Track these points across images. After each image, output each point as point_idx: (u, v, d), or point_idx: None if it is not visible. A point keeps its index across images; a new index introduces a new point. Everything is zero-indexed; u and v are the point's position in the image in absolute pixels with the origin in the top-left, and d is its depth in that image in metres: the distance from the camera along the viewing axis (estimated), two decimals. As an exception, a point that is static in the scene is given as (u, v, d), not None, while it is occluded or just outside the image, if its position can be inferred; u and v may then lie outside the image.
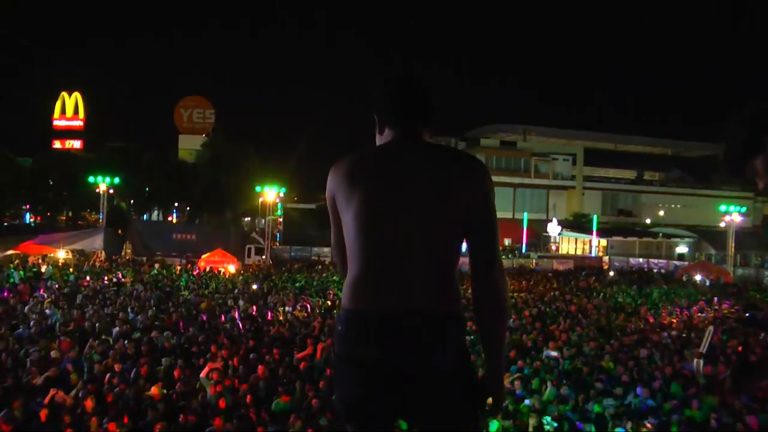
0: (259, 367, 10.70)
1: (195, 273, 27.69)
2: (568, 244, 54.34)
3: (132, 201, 50.31)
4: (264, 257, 35.89)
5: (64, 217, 52.45)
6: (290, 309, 18.07)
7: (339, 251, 2.25)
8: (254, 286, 23.84)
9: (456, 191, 2.07)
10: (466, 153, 2.29)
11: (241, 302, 18.89)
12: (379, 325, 2.02)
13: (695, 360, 10.58)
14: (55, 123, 59.46)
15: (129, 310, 16.65)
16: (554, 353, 12.95)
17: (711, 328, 10.54)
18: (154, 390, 9.44)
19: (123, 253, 35.82)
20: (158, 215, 53.14)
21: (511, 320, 17.51)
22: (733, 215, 38.21)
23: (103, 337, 13.19)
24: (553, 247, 53.27)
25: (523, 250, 47.46)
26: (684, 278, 34.06)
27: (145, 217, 50.60)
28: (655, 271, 38.95)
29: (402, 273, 2.03)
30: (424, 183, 2.07)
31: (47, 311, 16.02)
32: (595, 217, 50.76)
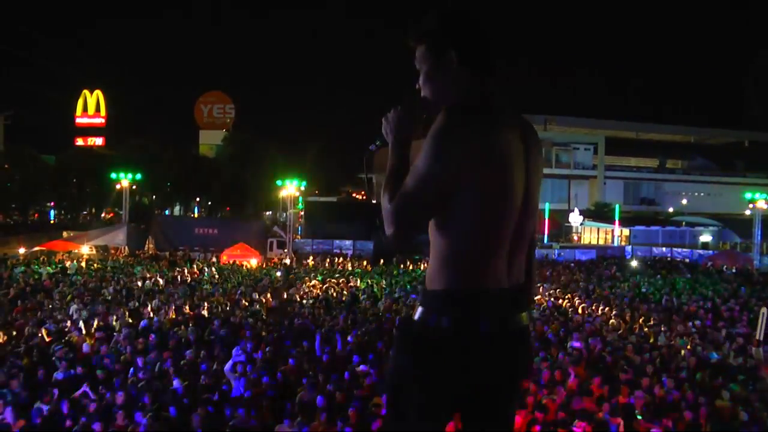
0: (290, 360, 10.75)
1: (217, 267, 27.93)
2: (590, 234, 53.87)
3: (154, 196, 50.82)
4: (286, 251, 36.05)
5: (86, 213, 53.11)
6: (311, 301, 18.13)
7: (425, 209, 1.98)
8: (278, 273, 24.19)
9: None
10: None
11: (255, 294, 19.02)
12: (503, 301, 2.04)
13: (754, 349, 10.33)
14: (78, 120, 60.18)
15: (153, 304, 16.82)
16: (578, 344, 12.87)
17: (764, 309, 10.03)
18: (176, 383, 9.53)
19: (146, 248, 36.18)
20: (180, 210, 53.60)
21: (534, 311, 17.45)
22: (758, 202, 37.55)
23: (128, 331, 13.33)
24: (575, 237, 52.86)
25: (545, 241, 47.12)
26: (708, 267, 33.64)
27: (167, 212, 51.06)
28: (678, 260, 38.50)
29: (519, 253, 2.10)
30: (536, 158, 2.12)
31: (73, 306, 16.24)
32: (617, 207, 50.24)
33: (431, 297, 2.02)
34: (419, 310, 2.04)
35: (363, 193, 75.61)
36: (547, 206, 49.23)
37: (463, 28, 2.04)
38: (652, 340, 13.94)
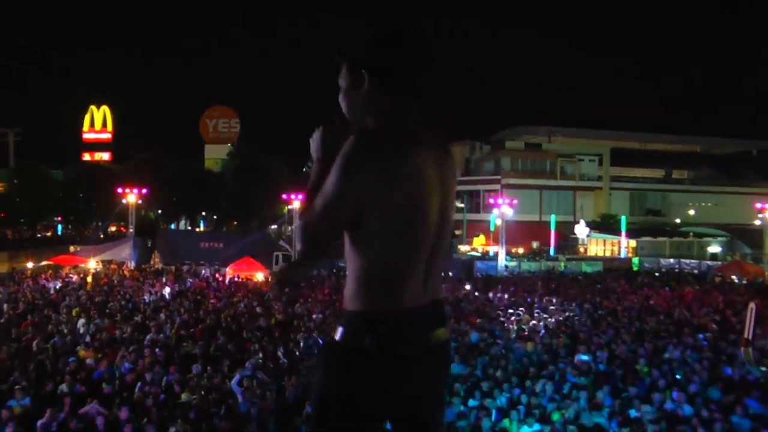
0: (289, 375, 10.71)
1: (223, 281, 27.90)
2: (597, 246, 53.67)
3: (160, 211, 50.88)
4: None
5: (93, 227, 53.29)
6: (319, 316, 18.04)
7: (329, 229, 2.05)
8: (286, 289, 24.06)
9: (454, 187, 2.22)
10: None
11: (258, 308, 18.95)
12: (421, 320, 2.09)
13: (742, 349, 9.86)
14: (85, 136, 60.49)
15: (159, 318, 16.80)
16: (585, 357, 12.76)
17: (752, 305, 9.49)
18: (185, 396, 9.50)
19: (152, 262, 36.20)
20: (185, 224, 53.64)
21: (541, 323, 17.35)
22: (767, 212, 37.29)
23: (135, 345, 13.31)
24: (582, 249, 52.67)
25: (551, 253, 46.98)
26: (717, 279, 33.37)
27: (172, 226, 51.10)
28: (687, 271, 38.25)
29: (435, 270, 2.13)
30: (451, 180, 2.16)
31: (80, 320, 16.24)
32: (623, 218, 50.07)
33: (350, 317, 2.06)
34: (339, 330, 2.08)
35: None
36: (552, 218, 49.13)
37: (383, 51, 2.06)
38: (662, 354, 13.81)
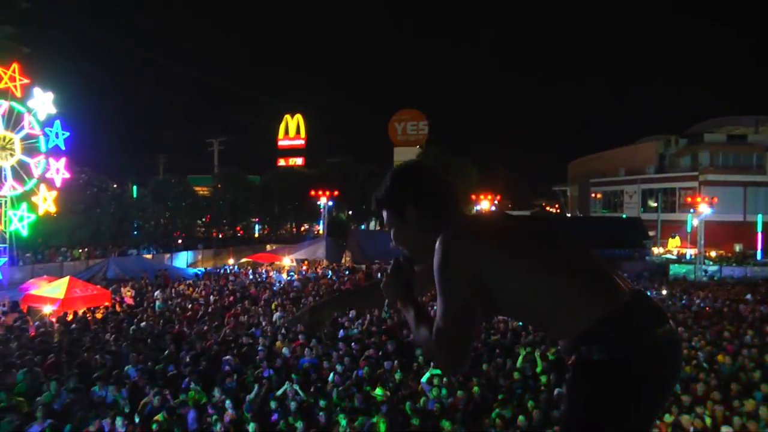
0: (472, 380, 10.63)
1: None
2: (816, 250, 47.60)
3: (350, 212, 53.22)
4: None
5: (287, 228, 57.16)
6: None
7: (466, 328, 1.99)
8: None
9: None
10: None
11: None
12: (641, 312, 1.98)
13: None
14: (280, 143, 64.92)
15: (348, 314, 17.51)
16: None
17: None
18: (378, 391, 9.83)
19: (343, 261, 37.91)
20: (375, 225, 55.67)
21: (748, 336, 15.54)
22: None
23: (327, 340, 13.99)
24: (797, 254, 47.00)
25: (758, 257, 42.53)
26: None
27: (362, 226, 53.23)
28: None
29: (605, 266, 2.07)
30: None
31: (276, 314, 17.41)
32: None
33: (581, 336, 1.95)
34: (582, 350, 1.95)
35: (558, 205, 73.39)
36: (759, 218, 44.44)
37: (413, 184, 2.20)
38: None
